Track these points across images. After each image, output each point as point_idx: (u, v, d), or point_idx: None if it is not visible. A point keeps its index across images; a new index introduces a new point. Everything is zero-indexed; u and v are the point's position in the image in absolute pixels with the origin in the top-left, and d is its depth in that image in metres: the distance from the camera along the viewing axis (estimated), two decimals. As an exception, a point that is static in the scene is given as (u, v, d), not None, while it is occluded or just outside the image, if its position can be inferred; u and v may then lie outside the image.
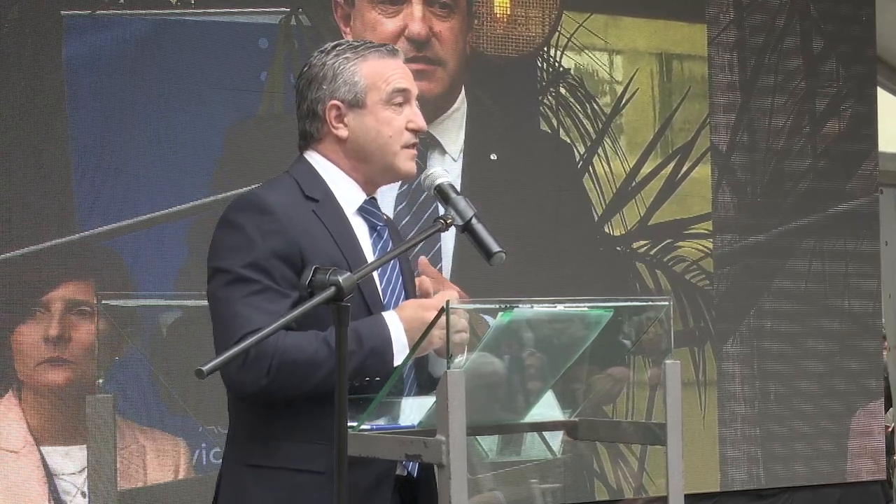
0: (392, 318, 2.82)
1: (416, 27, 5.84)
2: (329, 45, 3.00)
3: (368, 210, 2.98)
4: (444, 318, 2.65)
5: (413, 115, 2.95)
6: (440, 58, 5.88)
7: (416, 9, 5.86)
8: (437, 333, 2.77)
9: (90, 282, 5.17)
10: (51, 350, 5.10)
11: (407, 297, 2.98)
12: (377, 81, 2.93)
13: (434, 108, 5.90)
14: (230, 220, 2.86)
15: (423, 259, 3.06)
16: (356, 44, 2.98)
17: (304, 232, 2.84)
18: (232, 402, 2.93)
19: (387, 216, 3.13)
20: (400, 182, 3.32)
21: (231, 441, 2.94)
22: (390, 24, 5.81)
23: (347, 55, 2.95)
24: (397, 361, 2.79)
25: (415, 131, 2.95)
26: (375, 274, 2.91)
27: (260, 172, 5.10)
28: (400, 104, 2.94)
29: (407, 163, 2.96)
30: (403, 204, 5.74)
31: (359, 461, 2.59)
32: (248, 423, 2.89)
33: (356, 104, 2.93)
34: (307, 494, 2.80)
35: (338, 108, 2.94)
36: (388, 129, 2.93)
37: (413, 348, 2.75)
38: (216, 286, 2.83)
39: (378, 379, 2.76)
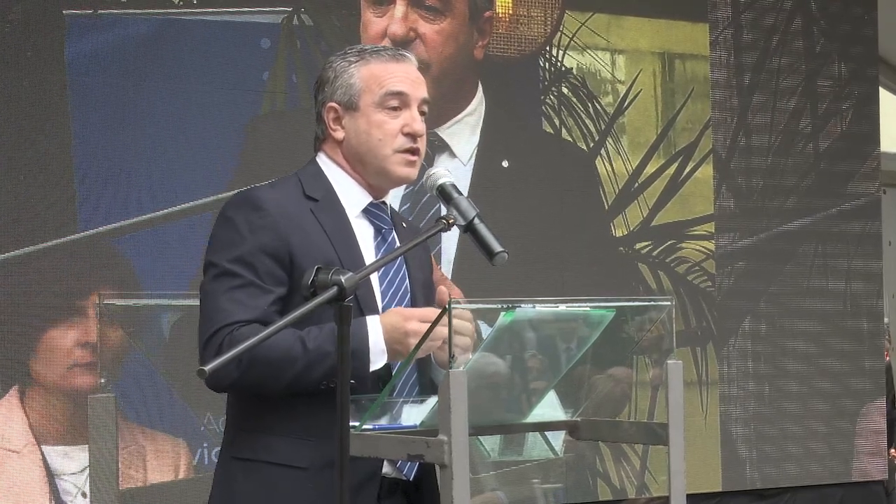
0: (374, 323, 2.81)
1: (395, 27, 5.85)
2: (346, 48, 3.01)
3: (374, 213, 2.98)
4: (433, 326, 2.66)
5: (410, 119, 2.93)
6: (422, 60, 5.86)
7: (398, 9, 5.87)
8: (432, 343, 2.75)
9: (92, 281, 5.17)
10: (53, 350, 5.10)
11: (415, 303, 2.98)
12: (371, 84, 2.93)
13: (449, 114, 5.92)
14: (224, 215, 2.89)
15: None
16: (366, 48, 2.99)
17: (297, 229, 2.84)
18: (228, 395, 2.95)
19: (408, 221, 3.13)
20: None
21: (224, 434, 2.97)
22: (378, 25, 5.83)
23: (351, 59, 2.96)
24: (373, 367, 2.79)
25: (411, 136, 2.94)
26: (375, 276, 2.91)
27: (263, 172, 5.11)
28: (395, 108, 2.93)
29: (401, 168, 2.94)
30: (407, 205, 5.74)
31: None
32: (238, 417, 2.92)
33: (350, 106, 2.94)
34: (290, 489, 2.82)
35: (335, 110, 2.95)
36: (378, 132, 2.92)
37: (411, 354, 2.73)
38: (206, 279, 2.87)
39: (353, 382, 2.74)
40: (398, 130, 2.93)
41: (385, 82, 2.93)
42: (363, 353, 2.78)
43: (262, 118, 5.54)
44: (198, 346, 2.84)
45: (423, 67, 3.11)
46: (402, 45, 5.84)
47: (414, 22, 5.90)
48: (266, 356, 2.75)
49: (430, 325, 2.70)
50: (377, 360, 2.79)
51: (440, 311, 2.64)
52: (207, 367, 2.29)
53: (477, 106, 6.08)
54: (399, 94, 2.93)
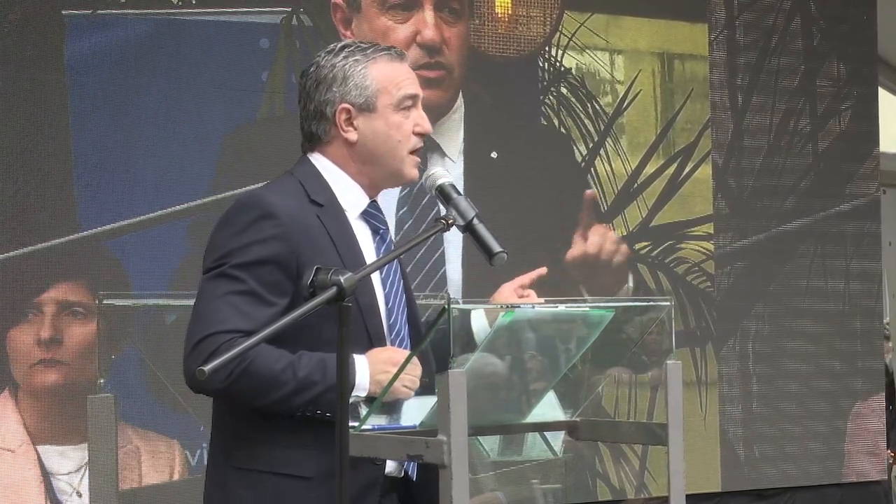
0: (361, 362, 2.80)
1: (430, 33, 5.82)
2: (336, 45, 2.98)
3: (371, 213, 2.98)
4: (405, 370, 2.70)
5: (420, 118, 2.96)
6: (450, 64, 5.89)
7: (429, 15, 5.84)
8: (402, 389, 2.76)
9: (91, 281, 5.17)
10: (48, 350, 5.09)
11: (408, 299, 2.99)
12: (388, 86, 2.93)
13: (439, 113, 5.90)
14: (231, 220, 2.85)
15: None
16: (364, 46, 2.97)
17: (306, 238, 2.83)
18: (216, 402, 2.92)
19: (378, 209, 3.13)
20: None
21: (216, 441, 2.95)
22: (402, 31, 5.80)
23: (357, 57, 2.93)
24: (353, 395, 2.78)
25: (421, 135, 2.96)
26: (377, 276, 2.90)
27: (261, 173, 5.10)
28: (408, 108, 2.95)
29: (412, 169, 2.97)
30: (405, 208, 5.74)
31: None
32: (233, 424, 2.89)
33: (367, 108, 2.93)
34: (293, 499, 2.80)
35: (348, 111, 2.93)
36: (397, 134, 2.93)
37: (382, 393, 2.74)
38: (204, 279, 2.84)
39: (329, 415, 2.73)
40: (411, 131, 2.94)
41: (401, 84, 2.94)
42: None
43: (260, 119, 5.54)
44: (185, 342, 2.82)
45: (448, 72, 3.14)
46: (433, 51, 5.83)
47: (440, 27, 5.89)
48: (257, 372, 2.75)
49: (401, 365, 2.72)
50: (357, 394, 2.79)
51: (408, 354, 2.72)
52: (208, 368, 2.29)
53: (460, 103, 6.07)
54: (413, 96, 2.96)
